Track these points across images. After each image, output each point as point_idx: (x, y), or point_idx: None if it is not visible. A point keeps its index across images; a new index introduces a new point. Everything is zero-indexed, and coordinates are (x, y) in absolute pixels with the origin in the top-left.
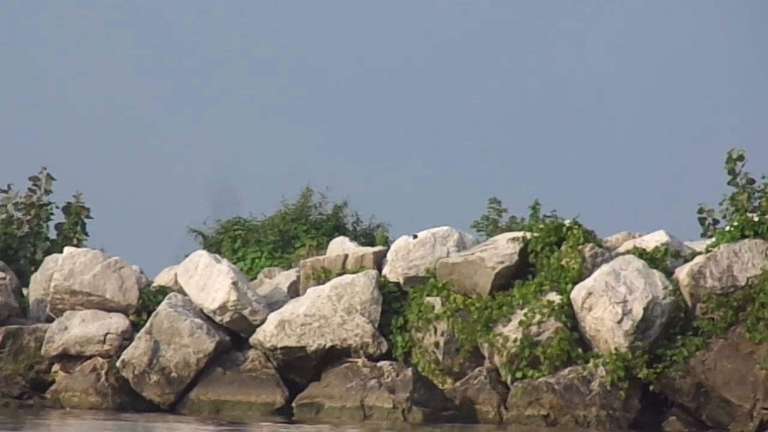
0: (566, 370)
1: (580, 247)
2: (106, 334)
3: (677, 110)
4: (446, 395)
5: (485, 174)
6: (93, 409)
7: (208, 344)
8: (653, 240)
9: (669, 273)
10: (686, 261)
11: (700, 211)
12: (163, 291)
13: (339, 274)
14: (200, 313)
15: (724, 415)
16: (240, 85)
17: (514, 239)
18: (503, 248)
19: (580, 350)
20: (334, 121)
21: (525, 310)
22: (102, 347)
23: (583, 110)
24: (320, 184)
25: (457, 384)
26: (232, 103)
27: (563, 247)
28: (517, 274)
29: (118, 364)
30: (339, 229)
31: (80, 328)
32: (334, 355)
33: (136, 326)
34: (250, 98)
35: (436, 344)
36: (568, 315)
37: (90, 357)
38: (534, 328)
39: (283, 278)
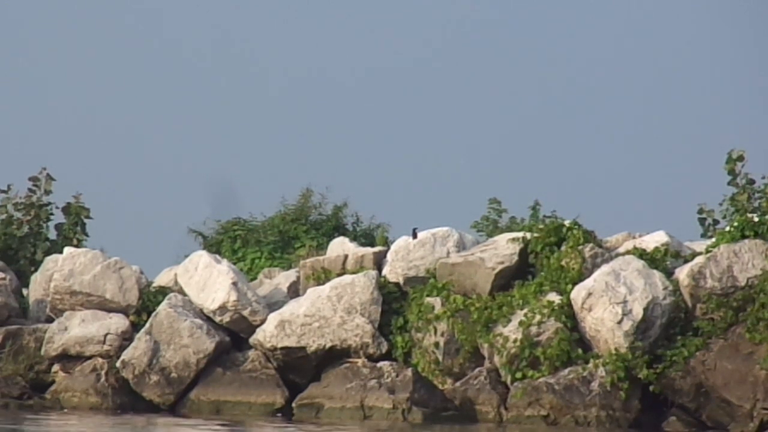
0: (566, 371)
1: (580, 247)
2: (106, 334)
3: (677, 110)
4: (446, 395)
5: (485, 174)
6: (93, 410)
7: (208, 344)
8: (653, 240)
9: (669, 273)
10: (686, 261)
11: (700, 211)
12: (163, 291)
13: (339, 275)
14: (200, 313)
15: (724, 415)
16: (240, 86)
17: (514, 239)
18: (503, 248)
19: (580, 350)
20: (334, 121)
21: (525, 311)
22: (102, 347)
23: (583, 110)
24: (320, 184)
25: (457, 384)
26: (232, 103)
27: (563, 248)
28: (517, 275)
29: (118, 364)
30: (339, 230)
31: (80, 328)
32: (334, 356)
33: (136, 327)
34: (250, 99)
35: (436, 344)
36: (568, 315)
37: (90, 357)
38: (534, 329)
39: (283, 278)
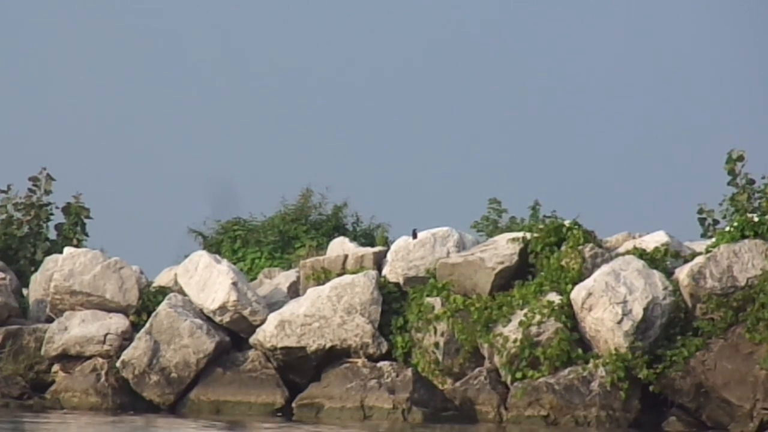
0: (566, 371)
1: (580, 247)
2: (106, 334)
3: (677, 110)
4: (446, 395)
5: (485, 174)
6: (93, 410)
7: (208, 344)
8: (653, 240)
9: (669, 273)
10: (686, 261)
11: (700, 211)
12: (163, 291)
13: (339, 275)
14: (200, 313)
15: (724, 415)
16: (240, 86)
17: (514, 239)
18: (503, 248)
19: (580, 350)
20: (334, 121)
21: (525, 311)
22: (102, 347)
23: (583, 110)
24: (320, 184)
25: (457, 384)
26: (232, 103)
27: (563, 248)
28: (517, 275)
29: (118, 364)
30: (339, 230)
31: (80, 328)
32: (334, 356)
33: (136, 326)
34: (249, 98)
35: (436, 344)
36: (568, 315)
37: (90, 357)
38: (534, 329)
39: (283, 278)
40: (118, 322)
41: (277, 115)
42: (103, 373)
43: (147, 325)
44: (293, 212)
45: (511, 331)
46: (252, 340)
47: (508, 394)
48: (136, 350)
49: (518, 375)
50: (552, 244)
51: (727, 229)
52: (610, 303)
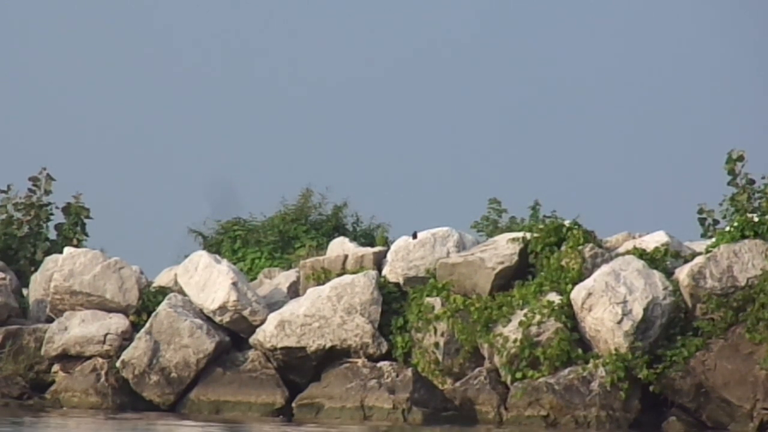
0: (566, 371)
1: (580, 247)
2: (106, 334)
3: (677, 110)
4: (446, 395)
5: (485, 174)
6: (93, 410)
7: (208, 344)
8: (653, 240)
9: (669, 273)
10: (686, 261)
11: (700, 211)
12: (163, 291)
13: (339, 275)
14: (200, 313)
15: (724, 415)
16: (240, 86)
17: (514, 239)
18: (503, 249)
19: (580, 351)
20: (334, 121)
21: (525, 311)
22: (102, 347)
23: (583, 110)
24: (320, 184)
25: (457, 384)
26: (232, 103)
27: (563, 248)
28: (517, 275)
29: (118, 364)
30: (339, 230)
31: (80, 328)
32: (334, 356)
33: (136, 326)
34: (250, 98)
35: (436, 344)
36: (568, 315)
37: (90, 357)
38: (534, 329)
39: (283, 279)
40: (118, 322)
41: (277, 116)
42: (103, 373)
43: (147, 325)
44: (293, 212)
45: (511, 331)
46: (252, 340)
47: (508, 394)
48: (136, 350)
49: (518, 375)
50: (552, 244)
51: (727, 229)
52: (610, 303)
